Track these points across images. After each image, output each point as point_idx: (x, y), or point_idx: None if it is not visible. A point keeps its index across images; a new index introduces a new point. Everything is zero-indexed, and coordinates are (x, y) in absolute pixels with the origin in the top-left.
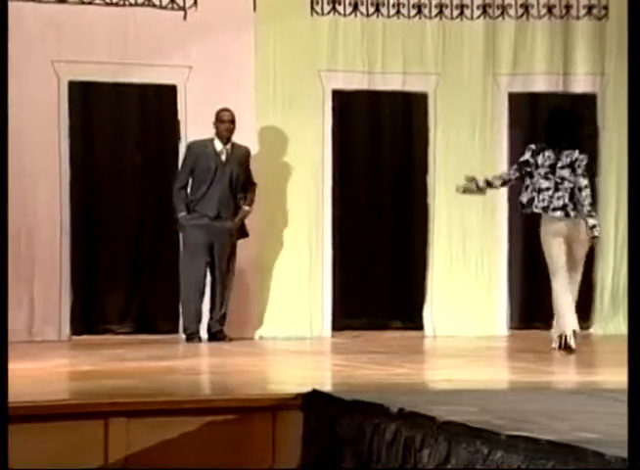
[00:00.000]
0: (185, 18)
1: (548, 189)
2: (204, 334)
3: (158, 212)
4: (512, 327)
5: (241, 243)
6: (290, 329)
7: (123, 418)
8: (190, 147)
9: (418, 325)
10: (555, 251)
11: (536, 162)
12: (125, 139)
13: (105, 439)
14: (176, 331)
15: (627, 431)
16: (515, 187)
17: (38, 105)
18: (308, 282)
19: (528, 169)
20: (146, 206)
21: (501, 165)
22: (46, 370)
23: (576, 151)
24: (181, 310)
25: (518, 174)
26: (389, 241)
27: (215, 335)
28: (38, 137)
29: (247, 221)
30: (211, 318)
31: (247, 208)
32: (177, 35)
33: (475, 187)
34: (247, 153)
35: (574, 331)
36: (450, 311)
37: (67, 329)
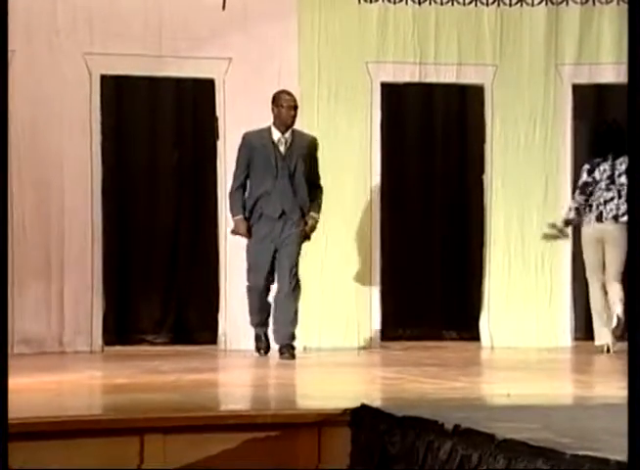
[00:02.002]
0: (224, 7)
1: (612, 199)
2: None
3: (195, 215)
4: (577, 338)
5: None
6: (336, 339)
7: (160, 434)
8: (244, 138)
9: (474, 335)
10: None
11: (594, 178)
12: (160, 137)
13: (140, 456)
14: (215, 342)
15: (627, 431)
16: (575, 187)
17: (68, 100)
18: (356, 289)
19: (591, 189)
20: (182, 208)
21: (564, 163)
22: (77, 383)
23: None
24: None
25: (585, 197)
26: (443, 245)
27: (281, 350)
28: (68, 135)
29: None
30: (277, 332)
31: (316, 215)
32: (215, 26)
33: (558, 232)
34: (312, 143)
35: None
36: (509, 320)
37: (99, 339)
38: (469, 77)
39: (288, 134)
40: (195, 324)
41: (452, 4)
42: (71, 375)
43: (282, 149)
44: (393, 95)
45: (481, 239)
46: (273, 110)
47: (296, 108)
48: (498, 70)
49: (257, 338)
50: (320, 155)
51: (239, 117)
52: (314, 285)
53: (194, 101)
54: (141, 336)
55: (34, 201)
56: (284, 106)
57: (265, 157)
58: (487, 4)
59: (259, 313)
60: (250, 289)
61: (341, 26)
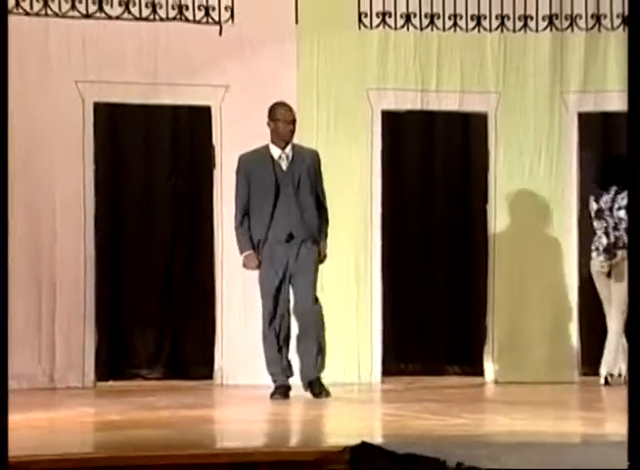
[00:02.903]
0: (220, 33)
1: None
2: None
3: (191, 246)
4: (584, 373)
5: None
6: (335, 374)
7: None
8: (240, 160)
9: (478, 370)
10: None
11: (600, 207)
12: (155, 166)
13: None
14: (211, 376)
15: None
16: (581, 218)
17: (61, 128)
18: (356, 321)
19: (602, 214)
20: (177, 239)
21: (570, 193)
22: (68, 420)
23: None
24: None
25: (603, 222)
26: (445, 276)
27: (311, 386)
28: (60, 163)
29: None
30: (302, 366)
31: (325, 244)
32: (212, 52)
33: (609, 265)
34: (315, 157)
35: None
36: (514, 355)
37: (91, 374)
38: (472, 105)
39: (288, 149)
40: (190, 358)
41: (455, 30)
42: (63, 412)
43: (284, 166)
44: (394, 123)
45: (485, 270)
46: (269, 124)
47: (294, 122)
48: (502, 98)
49: (276, 384)
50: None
51: (236, 146)
52: None
53: (190, 129)
54: (135, 371)
55: (25, 229)
56: (281, 119)
57: (265, 177)
58: (491, 30)
59: (274, 362)
60: (264, 337)
61: (340, 52)
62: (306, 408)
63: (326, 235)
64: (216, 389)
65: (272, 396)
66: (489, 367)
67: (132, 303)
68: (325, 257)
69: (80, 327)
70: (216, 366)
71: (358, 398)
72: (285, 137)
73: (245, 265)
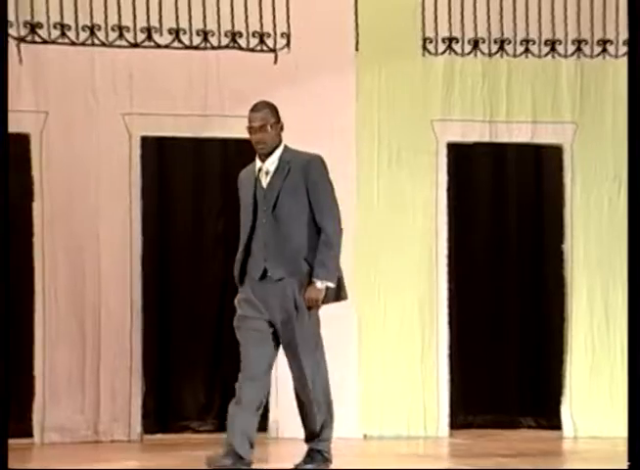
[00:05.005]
0: (276, 61)
1: None
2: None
3: None
4: None
5: (336, 320)
6: (400, 427)
7: None
8: (238, 178)
9: (554, 423)
10: None
11: None
12: (205, 202)
13: None
14: (265, 429)
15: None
16: None
17: (106, 163)
18: (421, 371)
19: None
20: (228, 280)
21: None
22: None
23: None
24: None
25: None
26: (518, 322)
27: (310, 455)
28: (105, 200)
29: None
30: (306, 428)
31: (319, 282)
32: (266, 81)
33: None
34: (309, 165)
35: None
36: (594, 407)
37: (138, 427)
38: (545, 137)
39: (271, 161)
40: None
41: (526, 56)
42: (108, 467)
43: (263, 183)
44: (461, 156)
45: (561, 316)
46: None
47: (265, 128)
48: (578, 129)
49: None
50: (378, 221)
51: None
52: (374, 365)
53: (242, 163)
54: (184, 423)
55: (68, 270)
56: (250, 129)
57: (247, 197)
58: (566, 56)
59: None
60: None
61: (403, 81)
62: (369, 463)
63: (326, 274)
64: (271, 443)
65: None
66: (567, 420)
67: (181, 351)
68: (315, 302)
69: (126, 377)
70: (271, 418)
71: (424, 452)
72: (256, 148)
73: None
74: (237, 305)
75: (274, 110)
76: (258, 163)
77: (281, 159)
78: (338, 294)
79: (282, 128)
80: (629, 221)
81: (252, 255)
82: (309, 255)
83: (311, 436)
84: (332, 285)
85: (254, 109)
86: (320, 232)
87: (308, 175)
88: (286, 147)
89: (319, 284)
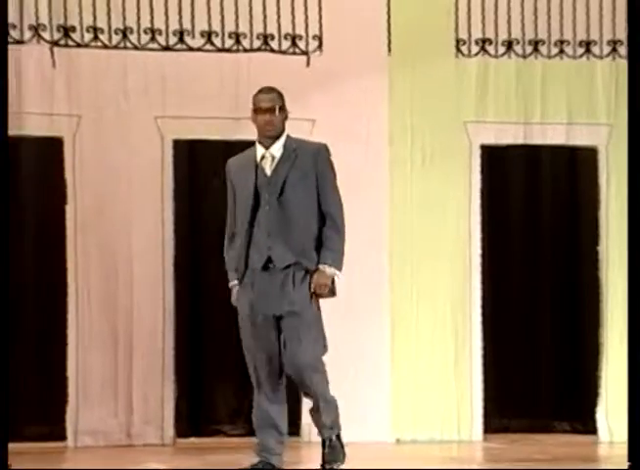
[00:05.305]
0: (308, 63)
1: None
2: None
3: None
4: None
5: (368, 322)
6: (433, 431)
7: None
8: (227, 165)
9: (590, 428)
10: None
11: None
12: None
13: None
14: (298, 433)
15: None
16: None
17: (138, 167)
18: (454, 374)
19: None
20: None
21: None
22: None
23: None
24: None
25: None
26: (553, 325)
27: (324, 446)
28: (138, 203)
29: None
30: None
31: (328, 268)
32: (298, 84)
33: None
34: (318, 154)
35: None
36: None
37: (170, 430)
38: (580, 138)
39: (275, 148)
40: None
41: (561, 57)
42: None
43: (267, 170)
44: (495, 159)
45: (597, 319)
46: (251, 116)
47: (274, 110)
48: (614, 131)
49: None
50: (412, 225)
51: None
52: (407, 368)
53: None
54: (216, 426)
55: (101, 273)
56: (256, 108)
57: (246, 184)
58: (602, 56)
59: (258, 430)
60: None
61: (436, 83)
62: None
63: (336, 255)
64: (304, 446)
65: None
66: (603, 424)
67: (213, 354)
68: (323, 286)
69: (159, 380)
70: (304, 422)
71: (458, 457)
72: (262, 131)
73: (233, 299)
74: (236, 303)
75: (282, 96)
76: (260, 149)
77: (286, 146)
78: (333, 288)
79: (287, 117)
80: (629, 221)
81: (254, 243)
82: (316, 242)
83: (322, 427)
84: (339, 273)
85: (262, 91)
86: (323, 222)
87: (317, 163)
88: (289, 135)
89: (328, 269)
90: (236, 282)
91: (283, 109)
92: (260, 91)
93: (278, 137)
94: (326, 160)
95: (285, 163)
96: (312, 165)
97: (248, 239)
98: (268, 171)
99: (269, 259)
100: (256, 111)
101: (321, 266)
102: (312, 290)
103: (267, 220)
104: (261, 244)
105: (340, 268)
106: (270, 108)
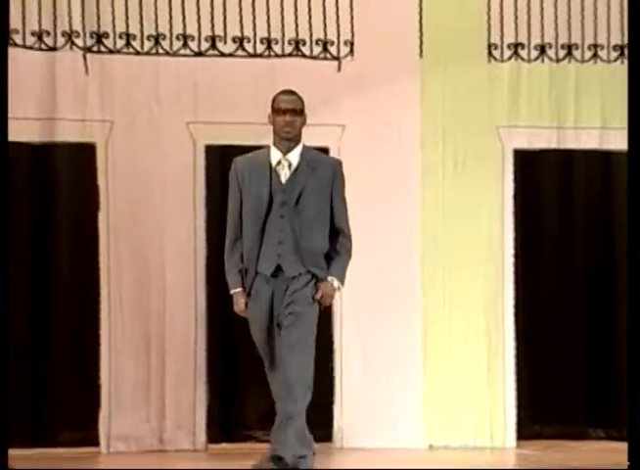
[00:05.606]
0: (339, 69)
1: None
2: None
3: None
4: None
5: (401, 328)
6: (466, 437)
7: None
8: (235, 163)
9: (624, 435)
10: None
11: None
12: None
13: None
14: (329, 439)
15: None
16: None
17: (171, 172)
18: (487, 380)
19: None
20: None
21: None
22: None
23: None
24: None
25: None
26: (588, 330)
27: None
28: (170, 209)
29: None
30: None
31: (335, 281)
32: (329, 89)
33: None
34: (334, 167)
35: None
36: None
37: (202, 436)
38: (614, 143)
39: (293, 154)
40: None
41: (595, 61)
42: None
43: (283, 176)
44: (528, 163)
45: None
46: (269, 118)
47: (295, 111)
48: None
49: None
50: (444, 230)
51: (354, 189)
52: (440, 374)
53: None
54: (248, 432)
55: (133, 279)
56: (275, 109)
57: (258, 188)
58: None
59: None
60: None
61: (468, 87)
62: None
63: (342, 270)
64: (336, 453)
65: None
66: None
67: (244, 359)
68: (328, 297)
69: (191, 386)
70: (335, 427)
71: (491, 463)
72: (280, 134)
73: (234, 306)
74: (241, 313)
75: (302, 100)
76: (276, 153)
77: (303, 154)
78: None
79: (305, 122)
80: (629, 221)
81: (263, 250)
82: (326, 254)
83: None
84: (342, 288)
85: (286, 92)
86: (332, 236)
87: (336, 178)
88: (305, 145)
89: (336, 282)
90: (239, 290)
91: (303, 112)
92: (284, 92)
93: (296, 143)
94: (342, 176)
95: (303, 171)
96: (331, 179)
97: (258, 245)
98: (283, 178)
99: (278, 267)
100: (276, 111)
101: (330, 278)
102: (318, 297)
103: (279, 228)
104: (270, 252)
105: (343, 284)
106: (291, 109)
